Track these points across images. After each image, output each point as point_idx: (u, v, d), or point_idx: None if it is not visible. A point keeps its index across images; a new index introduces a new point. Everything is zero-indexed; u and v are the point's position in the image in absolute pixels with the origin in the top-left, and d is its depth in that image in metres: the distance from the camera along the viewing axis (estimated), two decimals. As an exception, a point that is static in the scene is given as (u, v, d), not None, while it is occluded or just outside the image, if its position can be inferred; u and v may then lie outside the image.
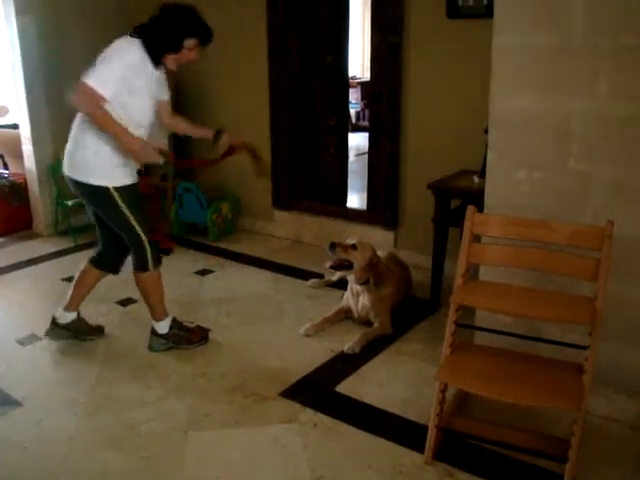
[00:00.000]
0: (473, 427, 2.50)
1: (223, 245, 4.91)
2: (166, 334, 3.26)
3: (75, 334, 3.32)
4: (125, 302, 3.85)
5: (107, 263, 3.27)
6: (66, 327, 3.29)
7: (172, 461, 2.45)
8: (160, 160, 2.95)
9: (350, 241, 3.49)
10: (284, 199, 5.04)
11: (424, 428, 2.45)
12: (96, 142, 2.87)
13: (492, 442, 2.43)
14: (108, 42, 2.86)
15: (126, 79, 2.79)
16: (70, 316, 3.30)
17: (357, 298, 3.52)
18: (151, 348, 3.28)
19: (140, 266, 3.11)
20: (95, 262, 3.26)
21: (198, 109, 5.27)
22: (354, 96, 9.60)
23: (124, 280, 3.61)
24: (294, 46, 4.77)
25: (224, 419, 2.71)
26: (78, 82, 2.72)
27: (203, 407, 2.79)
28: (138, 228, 3.01)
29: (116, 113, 2.78)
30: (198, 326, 3.41)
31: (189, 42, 2.88)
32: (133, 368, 3.13)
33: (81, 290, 3.29)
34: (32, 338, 3.29)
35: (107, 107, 2.75)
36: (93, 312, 3.54)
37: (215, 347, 3.30)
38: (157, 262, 3.13)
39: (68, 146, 2.98)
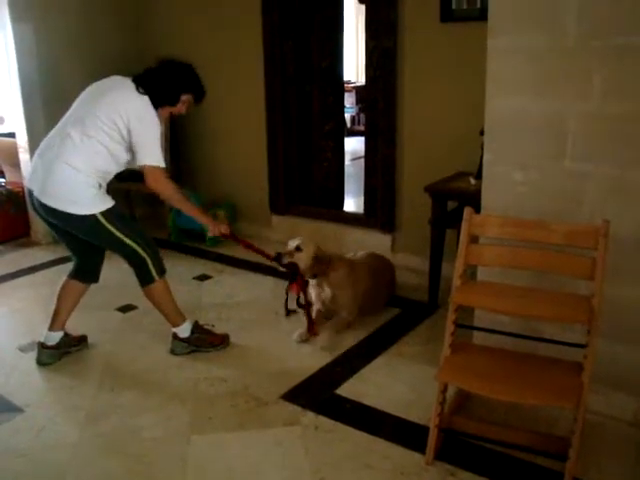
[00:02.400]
0: (474, 427, 2.52)
1: (221, 250, 4.92)
2: (188, 338, 3.27)
3: (65, 350, 3.26)
4: (125, 309, 3.85)
5: (87, 274, 3.23)
6: (55, 347, 3.22)
7: (174, 465, 2.45)
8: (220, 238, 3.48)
9: (293, 243, 3.51)
10: (281, 204, 5.05)
11: (425, 429, 2.47)
12: (74, 172, 2.85)
13: (493, 441, 2.44)
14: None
15: None
16: (57, 335, 3.22)
17: (318, 291, 3.58)
18: (173, 352, 3.29)
19: (145, 280, 3.12)
20: (75, 276, 3.22)
21: (194, 115, 5.29)
22: (349, 100, 9.63)
23: (123, 287, 3.62)
24: (289, 51, 4.79)
25: (226, 423, 2.72)
26: (146, 167, 2.92)
27: (205, 411, 2.80)
28: (131, 243, 3.01)
29: (104, 156, 2.91)
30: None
31: (185, 97, 3.06)
32: (134, 374, 3.14)
33: (65, 307, 3.22)
34: (33, 345, 3.28)
35: (104, 148, 2.89)
36: (91, 320, 3.55)
37: (216, 352, 3.30)
38: (161, 270, 3.14)
39: (41, 173, 2.90)
